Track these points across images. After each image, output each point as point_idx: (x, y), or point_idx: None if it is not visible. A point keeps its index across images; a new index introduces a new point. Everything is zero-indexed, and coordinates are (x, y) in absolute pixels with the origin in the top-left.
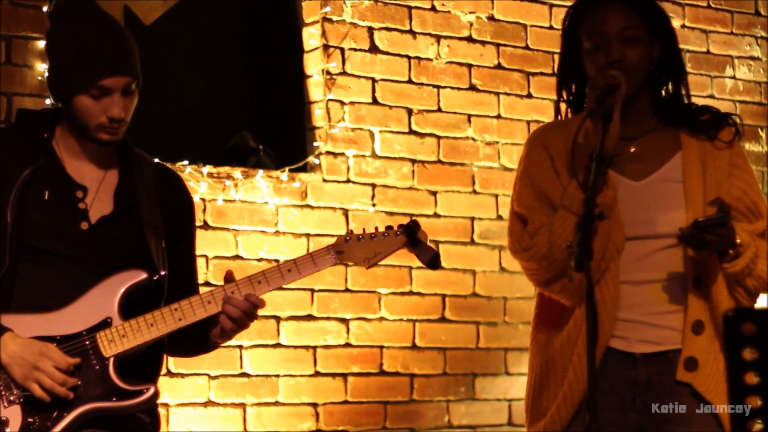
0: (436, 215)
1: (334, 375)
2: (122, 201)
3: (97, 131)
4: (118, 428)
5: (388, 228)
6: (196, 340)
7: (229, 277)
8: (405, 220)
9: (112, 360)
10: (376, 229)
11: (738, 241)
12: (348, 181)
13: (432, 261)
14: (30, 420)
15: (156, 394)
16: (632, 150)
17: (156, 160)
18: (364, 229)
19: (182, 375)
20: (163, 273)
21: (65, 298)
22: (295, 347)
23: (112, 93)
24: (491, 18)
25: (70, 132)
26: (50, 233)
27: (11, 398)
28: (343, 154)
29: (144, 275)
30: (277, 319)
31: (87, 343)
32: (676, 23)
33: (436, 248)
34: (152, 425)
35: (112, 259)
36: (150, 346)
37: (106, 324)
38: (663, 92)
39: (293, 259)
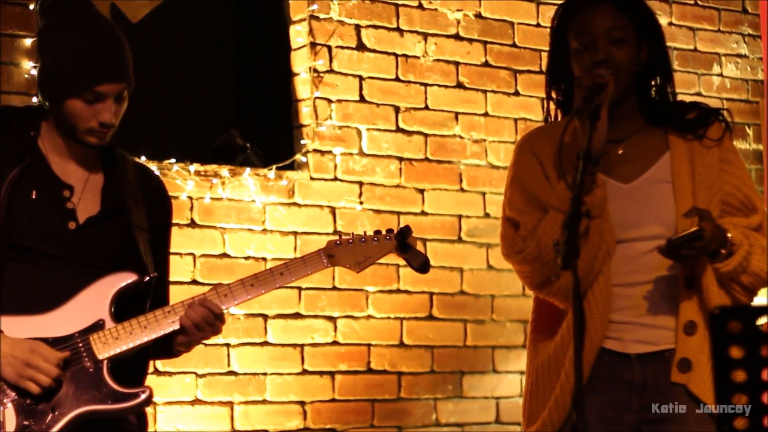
0: (423, 213)
1: (321, 373)
2: (110, 201)
3: (86, 135)
4: (108, 430)
5: (377, 232)
6: (161, 345)
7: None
8: (392, 218)
9: (105, 362)
10: (365, 233)
11: (730, 238)
12: (335, 179)
13: (422, 266)
14: (26, 423)
15: (151, 397)
16: (620, 152)
17: (143, 159)
18: (353, 233)
19: (169, 373)
20: (153, 275)
21: (55, 300)
22: (283, 345)
23: (105, 99)
24: (478, 16)
25: (57, 132)
26: (38, 233)
27: (5, 401)
28: (330, 152)
29: (135, 277)
30: (265, 317)
31: (80, 345)
32: (663, 21)
33: (423, 247)
34: (139, 426)
35: (100, 260)
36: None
37: (98, 326)
38: (650, 93)
39: (285, 263)
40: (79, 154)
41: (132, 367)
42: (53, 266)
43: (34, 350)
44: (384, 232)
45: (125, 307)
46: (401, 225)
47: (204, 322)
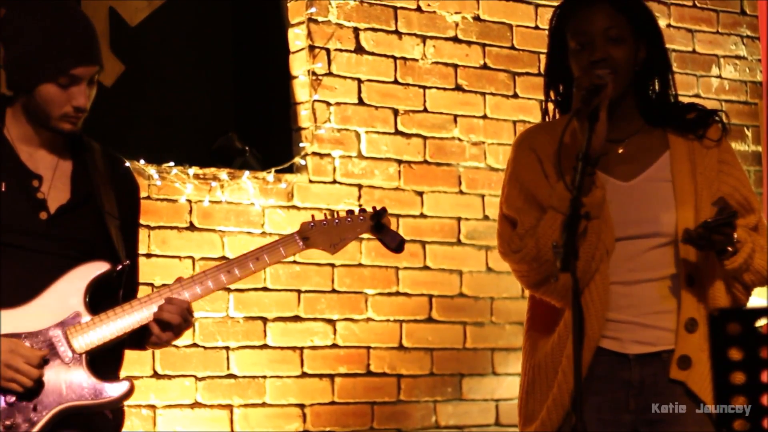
0: (422, 216)
1: (321, 376)
2: (80, 189)
3: (60, 121)
4: (85, 426)
5: (350, 212)
6: (135, 336)
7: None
8: (392, 221)
9: (84, 356)
10: (337, 213)
11: (736, 237)
12: (334, 181)
13: (398, 246)
14: (7, 423)
15: (132, 391)
16: (620, 151)
17: (142, 163)
18: (325, 215)
19: (169, 376)
20: (126, 263)
21: (29, 293)
22: (282, 348)
23: (80, 82)
24: (477, 18)
25: (26, 120)
26: (9, 225)
27: None
28: (329, 154)
29: (108, 266)
30: (264, 320)
31: (57, 338)
32: (661, 22)
33: (422, 249)
34: (115, 422)
35: (73, 250)
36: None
37: (74, 318)
38: (649, 93)
39: (260, 248)
40: (47, 142)
41: (107, 358)
42: (26, 258)
43: (14, 351)
44: (357, 212)
45: (98, 296)
46: (401, 228)
47: (181, 319)
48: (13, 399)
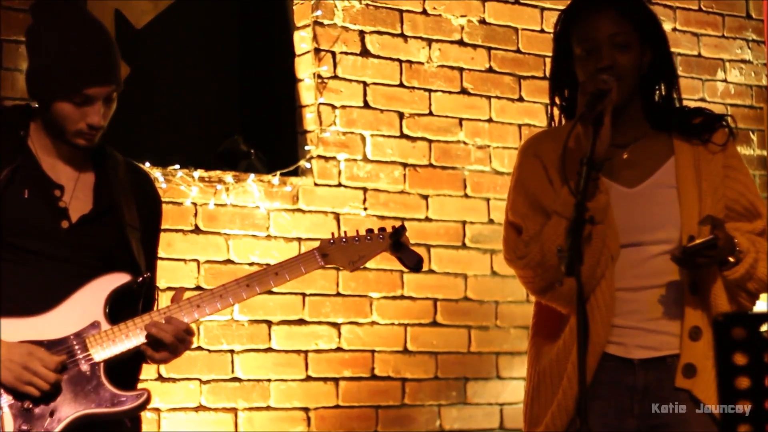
0: (427, 219)
1: (325, 379)
2: (102, 200)
3: (75, 137)
4: None
5: (369, 231)
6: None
7: (176, 297)
8: (396, 224)
9: (102, 365)
10: (357, 232)
11: (738, 247)
12: (339, 185)
13: (416, 266)
14: (24, 428)
15: (149, 400)
16: (625, 156)
17: (147, 165)
18: (345, 232)
19: (173, 380)
20: (147, 275)
21: (49, 301)
22: (287, 352)
23: (94, 101)
24: (482, 21)
25: (45, 132)
26: (31, 232)
27: (2, 405)
28: (334, 158)
29: (129, 278)
30: (269, 323)
31: (76, 347)
32: (667, 26)
33: (427, 253)
34: (133, 429)
35: (94, 260)
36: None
37: (93, 327)
38: (655, 97)
39: (280, 264)
40: (68, 153)
41: (126, 368)
42: (46, 266)
43: (32, 354)
44: (376, 231)
45: (117, 307)
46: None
47: (174, 339)
48: (30, 405)
